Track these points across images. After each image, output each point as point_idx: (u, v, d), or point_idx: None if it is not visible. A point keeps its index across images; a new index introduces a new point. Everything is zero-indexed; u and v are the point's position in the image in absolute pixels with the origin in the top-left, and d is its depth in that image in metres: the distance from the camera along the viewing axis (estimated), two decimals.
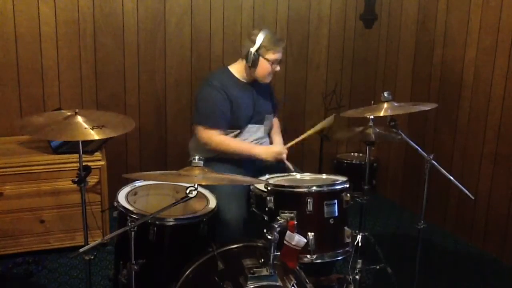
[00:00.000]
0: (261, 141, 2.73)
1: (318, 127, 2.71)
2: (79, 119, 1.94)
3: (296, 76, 3.88)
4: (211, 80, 2.61)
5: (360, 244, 2.43)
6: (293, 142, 2.65)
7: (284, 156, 2.58)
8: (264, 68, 2.59)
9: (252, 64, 2.57)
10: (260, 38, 2.54)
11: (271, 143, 2.82)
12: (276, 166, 2.65)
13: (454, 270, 2.93)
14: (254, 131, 2.68)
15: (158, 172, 2.02)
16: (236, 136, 2.63)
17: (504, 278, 2.87)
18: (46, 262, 2.79)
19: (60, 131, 1.95)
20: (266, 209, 2.04)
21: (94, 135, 1.88)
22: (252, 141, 2.68)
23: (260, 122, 2.70)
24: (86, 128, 1.91)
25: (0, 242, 2.75)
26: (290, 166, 2.56)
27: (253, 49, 2.54)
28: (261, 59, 2.56)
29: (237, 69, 2.68)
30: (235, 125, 2.61)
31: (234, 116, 2.59)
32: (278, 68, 2.63)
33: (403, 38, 3.79)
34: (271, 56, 2.56)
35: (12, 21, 3.12)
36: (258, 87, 2.70)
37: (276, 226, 1.73)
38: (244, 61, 2.60)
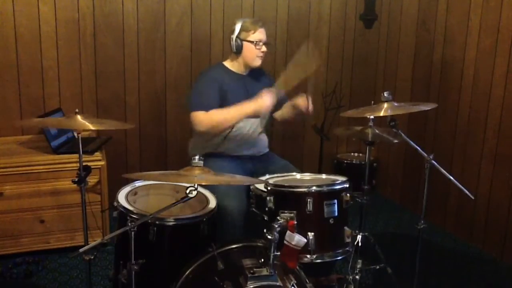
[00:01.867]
0: (258, 136, 2.74)
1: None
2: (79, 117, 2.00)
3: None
4: (204, 74, 2.69)
5: (360, 244, 2.43)
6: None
7: (272, 102, 2.46)
8: (249, 51, 2.62)
9: (237, 50, 2.62)
10: (238, 25, 2.61)
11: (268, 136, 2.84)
12: (276, 165, 2.66)
13: (454, 270, 2.93)
14: (251, 123, 2.67)
15: (158, 172, 2.02)
16: (231, 128, 2.61)
17: (504, 278, 2.87)
18: (46, 262, 2.79)
19: (60, 122, 2.17)
20: (266, 209, 2.04)
21: (90, 126, 1.96)
22: (250, 134, 2.69)
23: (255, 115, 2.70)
24: (84, 122, 1.97)
25: (0, 242, 2.75)
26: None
27: (234, 36, 2.61)
28: (244, 43, 2.61)
29: (230, 62, 2.73)
30: None
31: (225, 105, 2.58)
32: (264, 48, 2.64)
33: (403, 38, 3.80)
34: (252, 36, 2.60)
35: (12, 21, 3.12)
36: (253, 79, 2.72)
37: (276, 226, 1.73)
38: (233, 53, 2.65)
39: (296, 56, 2.59)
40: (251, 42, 2.60)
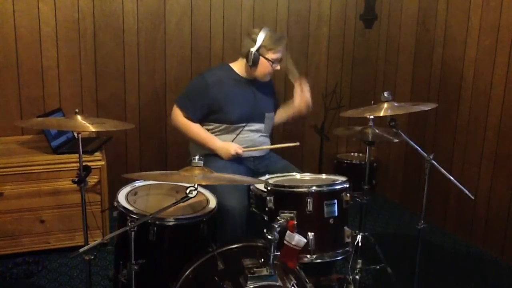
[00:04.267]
0: (262, 140, 2.74)
1: (279, 146, 2.72)
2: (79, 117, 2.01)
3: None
4: (206, 74, 2.68)
5: (360, 244, 2.43)
6: (253, 149, 2.65)
7: (238, 154, 2.59)
8: (264, 68, 2.59)
9: (253, 63, 2.58)
10: (260, 38, 2.54)
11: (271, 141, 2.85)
12: (276, 165, 2.67)
13: (454, 270, 2.93)
14: (256, 129, 2.68)
15: (158, 172, 2.02)
16: (237, 134, 2.64)
17: (504, 278, 2.87)
18: (46, 262, 2.79)
19: (60, 124, 2.21)
20: (266, 209, 2.04)
21: (90, 127, 1.96)
22: (254, 139, 2.69)
23: (260, 120, 2.70)
24: (84, 122, 1.97)
25: (0, 242, 2.75)
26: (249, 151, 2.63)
27: (253, 49, 2.55)
28: (261, 58, 2.57)
29: (238, 66, 2.70)
30: (225, 120, 2.63)
31: (225, 111, 2.60)
32: (278, 67, 2.62)
33: (403, 38, 3.80)
34: (272, 55, 2.57)
35: (12, 21, 3.12)
36: (259, 85, 2.71)
37: (276, 226, 1.73)
38: (245, 60, 2.61)
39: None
40: (269, 60, 2.58)
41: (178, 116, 2.65)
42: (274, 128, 2.89)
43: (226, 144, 2.60)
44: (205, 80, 2.63)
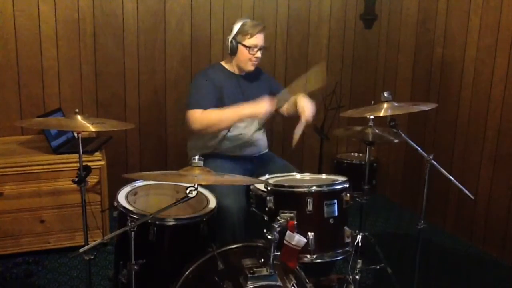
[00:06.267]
0: (257, 134, 2.73)
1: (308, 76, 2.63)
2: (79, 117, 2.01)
3: (296, 76, 3.86)
4: (201, 74, 2.69)
5: (360, 244, 2.43)
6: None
7: (271, 109, 2.43)
8: (243, 55, 2.60)
9: (231, 52, 2.60)
10: (237, 26, 2.57)
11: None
12: (276, 165, 2.66)
13: (454, 270, 2.93)
14: (249, 122, 2.67)
15: (158, 172, 2.02)
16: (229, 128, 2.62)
17: (504, 278, 2.87)
18: (46, 262, 2.80)
19: (60, 124, 2.20)
20: (266, 209, 2.04)
21: (90, 127, 1.95)
22: (247, 132, 2.68)
23: None
24: (84, 122, 1.97)
25: (0, 242, 2.75)
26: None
27: (230, 37, 2.58)
28: (239, 46, 2.58)
29: (227, 62, 2.73)
30: None
31: (220, 106, 2.58)
32: (259, 54, 2.60)
33: (403, 38, 3.79)
34: (248, 41, 2.57)
35: (12, 21, 3.12)
36: (250, 78, 2.71)
37: (276, 226, 1.73)
38: (228, 53, 2.64)
39: (309, 72, 2.64)
40: (246, 46, 2.57)
41: (197, 114, 2.48)
42: (272, 120, 2.86)
43: (255, 104, 2.42)
44: (204, 75, 2.65)
